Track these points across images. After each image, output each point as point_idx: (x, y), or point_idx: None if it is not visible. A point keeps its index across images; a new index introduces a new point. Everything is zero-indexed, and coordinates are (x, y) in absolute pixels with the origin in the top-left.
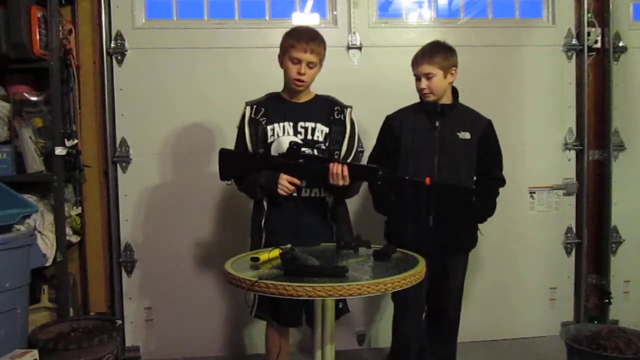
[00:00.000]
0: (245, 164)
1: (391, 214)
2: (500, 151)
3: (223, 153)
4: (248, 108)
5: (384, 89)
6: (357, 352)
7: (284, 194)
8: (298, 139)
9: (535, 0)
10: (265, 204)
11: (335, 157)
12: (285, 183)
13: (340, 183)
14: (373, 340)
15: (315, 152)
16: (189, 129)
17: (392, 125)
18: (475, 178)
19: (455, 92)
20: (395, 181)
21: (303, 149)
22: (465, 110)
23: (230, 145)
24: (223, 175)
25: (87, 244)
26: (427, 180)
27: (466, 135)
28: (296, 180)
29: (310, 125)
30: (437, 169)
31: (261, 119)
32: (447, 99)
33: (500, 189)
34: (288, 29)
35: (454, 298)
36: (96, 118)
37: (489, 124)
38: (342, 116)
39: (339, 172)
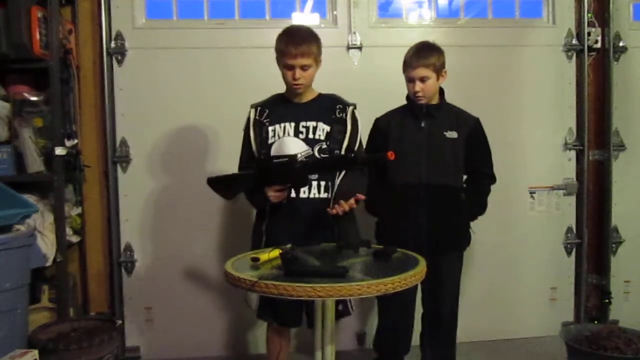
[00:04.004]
0: (233, 184)
1: (381, 214)
2: (490, 149)
3: (210, 182)
4: (252, 110)
5: (384, 89)
6: (357, 352)
7: (279, 201)
8: (297, 140)
9: (535, 0)
10: (267, 210)
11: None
12: (273, 194)
13: (347, 209)
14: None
15: (316, 151)
16: (189, 128)
17: (381, 127)
18: (466, 176)
19: (441, 92)
20: (368, 162)
21: (264, 162)
22: (452, 109)
23: (230, 145)
24: (225, 198)
25: (87, 244)
26: (390, 154)
27: (453, 135)
28: (279, 187)
29: (311, 124)
30: (425, 168)
31: (265, 120)
32: (434, 99)
33: (501, 189)
34: (280, 32)
35: (449, 298)
36: (96, 118)
37: (476, 122)
38: (343, 114)
39: (342, 209)
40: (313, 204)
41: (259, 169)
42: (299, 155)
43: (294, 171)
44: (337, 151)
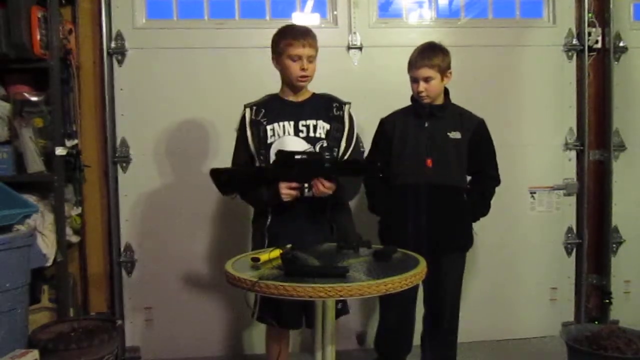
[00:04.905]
0: (241, 178)
1: (384, 214)
2: (494, 150)
3: (215, 173)
4: (248, 110)
5: (384, 89)
6: (357, 352)
7: (290, 199)
8: (298, 139)
9: (536, 0)
10: (269, 210)
11: (327, 155)
12: (286, 191)
13: (328, 192)
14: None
15: (317, 148)
16: (189, 128)
17: (385, 127)
18: (470, 177)
19: (446, 92)
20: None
21: (290, 155)
22: (456, 110)
23: (230, 144)
24: (223, 193)
25: (87, 244)
26: (429, 162)
27: (457, 135)
28: (295, 185)
29: (311, 122)
30: (428, 169)
31: (262, 120)
32: (438, 100)
33: (501, 189)
34: (277, 31)
35: (450, 298)
36: (96, 118)
37: (481, 123)
38: (341, 112)
39: (321, 188)
40: (315, 202)
41: (281, 162)
42: (325, 154)
43: (320, 170)
44: (335, 149)
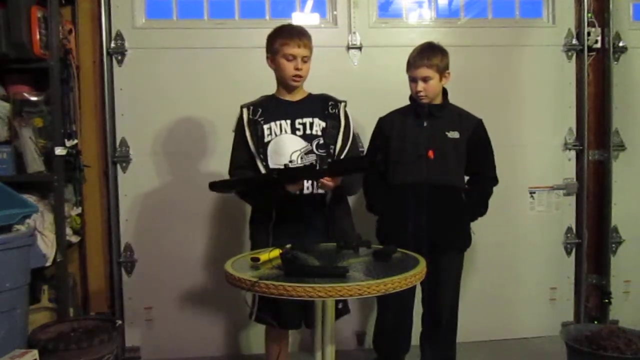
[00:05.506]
0: (240, 187)
1: (382, 213)
2: (492, 150)
3: (215, 186)
4: (245, 110)
5: (384, 89)
6: (357, 352)
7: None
8: (295, 137)
9: (535, 0)
10: (273, 211)
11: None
12: (293, 188)
13: (331, 186)
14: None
15: (314, 146)
16: (189, 128)
17: (383, 126)
18: (468, 177)
19: (444, 92)
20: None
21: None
22: (455, 109)
23: (230, 145)
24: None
25: (87, 244)
26: (430, 153)
27: (455, 135)
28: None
29: (307, 120)
30: (426, 168)
31: (259, 119)
32: (437, 100)
33: (501, 189)
34: (272, 30)
35: (448, 298)
36: (96, 118)
37: (479, 124)
38: (336, 110)
39: (326, 185)
40: (315, 199)
41: (282, 179)
42: (315, 161)
43: (320, 173)
44: (332, 146)
